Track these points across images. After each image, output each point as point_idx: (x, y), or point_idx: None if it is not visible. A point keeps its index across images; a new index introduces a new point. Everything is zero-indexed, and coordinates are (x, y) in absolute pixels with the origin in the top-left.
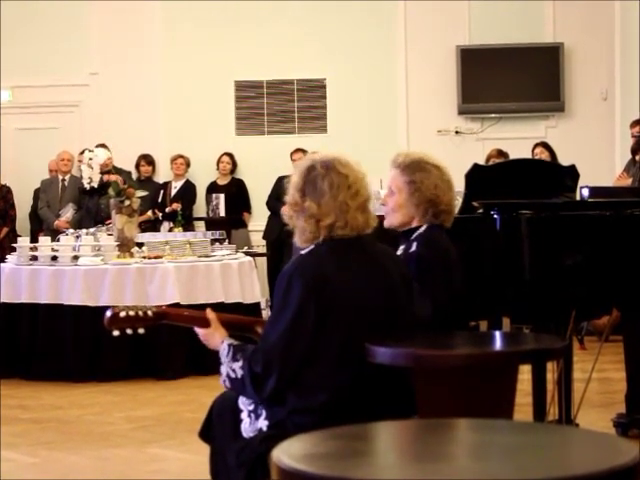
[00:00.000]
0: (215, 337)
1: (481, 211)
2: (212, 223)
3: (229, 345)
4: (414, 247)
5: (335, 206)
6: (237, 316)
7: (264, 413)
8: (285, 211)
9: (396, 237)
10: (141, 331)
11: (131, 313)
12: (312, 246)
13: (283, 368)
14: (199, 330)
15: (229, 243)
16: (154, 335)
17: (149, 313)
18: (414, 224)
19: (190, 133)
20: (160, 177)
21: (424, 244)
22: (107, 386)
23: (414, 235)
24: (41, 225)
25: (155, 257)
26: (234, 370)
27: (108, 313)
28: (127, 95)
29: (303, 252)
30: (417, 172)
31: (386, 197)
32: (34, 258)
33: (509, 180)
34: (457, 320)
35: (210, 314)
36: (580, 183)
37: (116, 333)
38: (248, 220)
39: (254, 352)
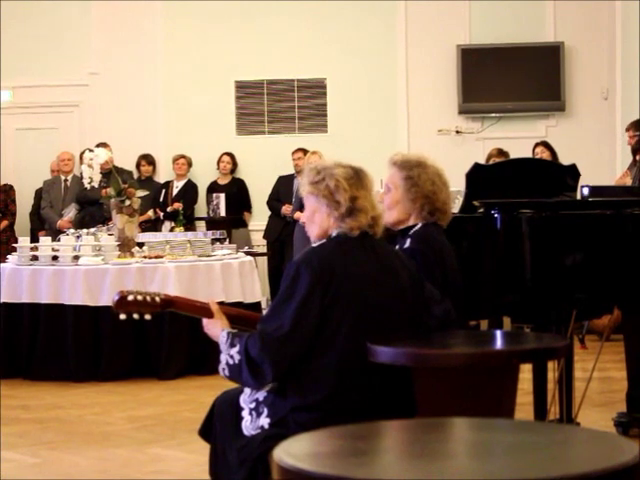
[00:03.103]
0: (217, 326)
1: (482, 210)
2: (213, 223)
3: (228, 333)
4: (408, 243)
5: None
6: (242, 310)
7: (266, 411)
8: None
9: (393, 236)
10: (147, 317)
11: (139, 297)
12: (323, 240)
13: (280, 355)
14: (203, 320)
15: (230, 243)
16: (155, 335)
17: (157, 299)
18: (410, 222)
19: (190, 133)
20: (160, 177)
21: (418, 240)
22: (108, 386)
23: (410, 233)
24: (42, 225)
25: (156, 257)
26: (232, 356)
27: (116, 296)
28: (127, 95)
29: (314, 245)
30: (414, 168)
31: (382, 195)
32: (35, 258)
33: (510, 179)
34: (457, 318)
35: (213, 305)
36: (581, 182)
37: (123, 317)
38: (249, 220)
39: (251, 336)
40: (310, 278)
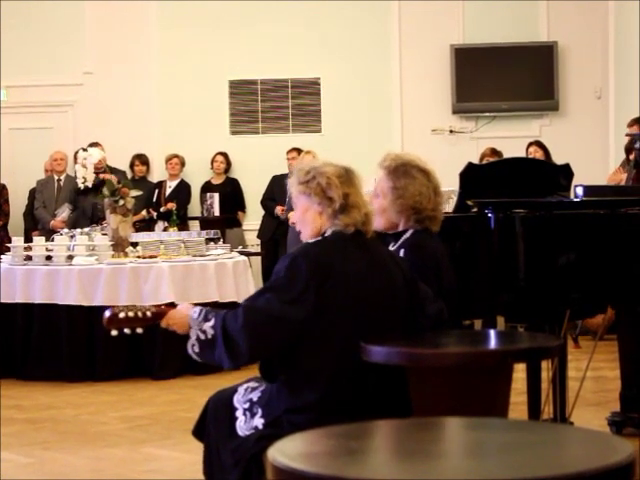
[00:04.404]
0: (182, 310)
1: (475, 210)
2: (206, 222)
3: (201, 309)
4: (402, 254)
5: None
6: None
7: (260, 411)
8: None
9: (383, 236)
10: (139, 331)
11: (130, 314)
12: (319, 237)
13: (262, 336)
14: (170, 311)
15: (223, 242)
16: (149, 335)
17: (148, 314)
18: (400, 228)
19: (184, 132)
20: (154, 177)
21: (411, 251)
22: (102, 386)
23: (400, 240)
24: (35, 225)
25: (150, 256)
26: (204, 331)
27: (107, 313)
28: (121, 95)
29: (310, 241)
30: (401, 178)
31: (372, 198)
32: (28, 258)
33: (503, 179)
34: (450, 318)
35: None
36: (574, 182)
37: (114, 333)
38: (242, 219)
39: (230, 312)
40: (307, 272)
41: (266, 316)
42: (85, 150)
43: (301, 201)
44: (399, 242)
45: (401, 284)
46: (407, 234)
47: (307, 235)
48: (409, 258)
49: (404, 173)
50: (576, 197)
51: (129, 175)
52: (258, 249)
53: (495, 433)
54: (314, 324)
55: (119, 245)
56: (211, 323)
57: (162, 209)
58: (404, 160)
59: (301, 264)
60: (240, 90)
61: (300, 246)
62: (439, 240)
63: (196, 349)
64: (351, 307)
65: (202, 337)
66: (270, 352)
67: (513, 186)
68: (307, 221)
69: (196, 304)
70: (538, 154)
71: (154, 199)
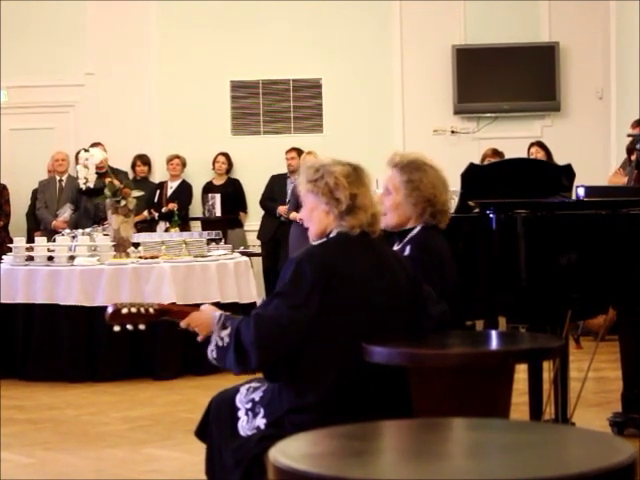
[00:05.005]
0: (207, 312)
1: (477, 210)
2: (208, 223)
3: (220, 314)
4: (408, 251)
5: None
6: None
7: (262, 411)
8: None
9: (389, 235)
10: (142, 327)
11: (133, 310)
12: (324, 239)
13: (272, 346)
14: (192, 313)
15: (225, 243)
16: (150, 335)
17: (151, 310)
18: (409, 224)
19: (186, 133)
20: (156, 177)
21: (418, 248)
22: (103, 386)
23: (407, 237)
24: (37, 225)
25: (151, 257)
26: (222, 338)
27: (110, 309)
28: (123, 95)
29: (315, 243)
30: (415, 171)
31: (382, 197)
32: (30, 258)
33: (505, 179)
34: (453, 319)
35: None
36: (576, 182)
37: (117, 328)
38: (244, 220)
39: (244, 320)
40: (312, 275)
41: (275, 325)
42: (87, 151)
43: (309, 199)
44: (405, 239)
45: (405, 284)
46: (414, 231)
47: (312, 233)
48: (415, 256)
49: (417, 168)
50: (578, 198)
51: (130, 176)
52: (260, 250)
53: (497, 434)
54: (318, 325)
55: (121, 245)
56: (227, 331)
57: (163, 210)
58: (414, 157)
59: (306, 268)
60: (242, 90)
61: (304, 249)
62: (444, 239)
63: (214, 354)
64: (355, 308)
65: (220, 344)
66: (279, 360)
67: (515, 187)
68: (314, 220)
69: (198, 305)
70: (540, 155)
71: (155, 200)
